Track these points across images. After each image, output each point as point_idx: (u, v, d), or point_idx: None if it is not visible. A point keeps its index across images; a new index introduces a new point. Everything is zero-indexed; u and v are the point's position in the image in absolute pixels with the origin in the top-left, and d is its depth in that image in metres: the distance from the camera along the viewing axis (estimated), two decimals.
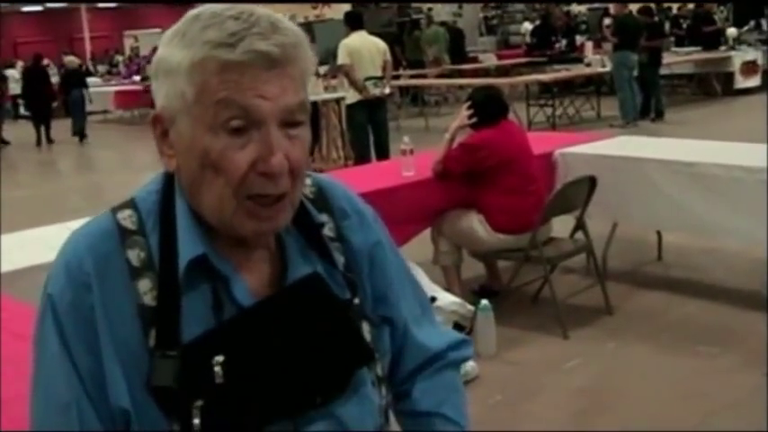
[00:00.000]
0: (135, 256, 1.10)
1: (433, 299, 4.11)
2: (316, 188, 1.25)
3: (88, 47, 29.83)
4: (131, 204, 1.15)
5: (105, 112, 20.26)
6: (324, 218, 1.23)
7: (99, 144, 16.62)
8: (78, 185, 12.05)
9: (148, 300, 1.08)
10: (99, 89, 20.57)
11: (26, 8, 33.67)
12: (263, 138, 1.04)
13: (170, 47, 1.07)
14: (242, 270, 1.13)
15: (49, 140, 16.73)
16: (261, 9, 1.07)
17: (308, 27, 15.80)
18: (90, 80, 20.09)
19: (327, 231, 1.23)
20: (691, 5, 18.42)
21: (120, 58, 28.57)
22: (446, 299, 4.29)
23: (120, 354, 1.07)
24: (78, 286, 1.08)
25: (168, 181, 1.14)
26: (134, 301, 1.08)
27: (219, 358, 1.05)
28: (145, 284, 1.09)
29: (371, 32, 9.01)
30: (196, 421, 1.04)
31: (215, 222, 1.09)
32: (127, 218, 1.13)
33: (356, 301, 1.21)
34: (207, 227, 1.11)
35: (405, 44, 18.97)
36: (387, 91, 8.59)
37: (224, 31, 1.03)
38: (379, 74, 8.31)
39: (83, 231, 1.13)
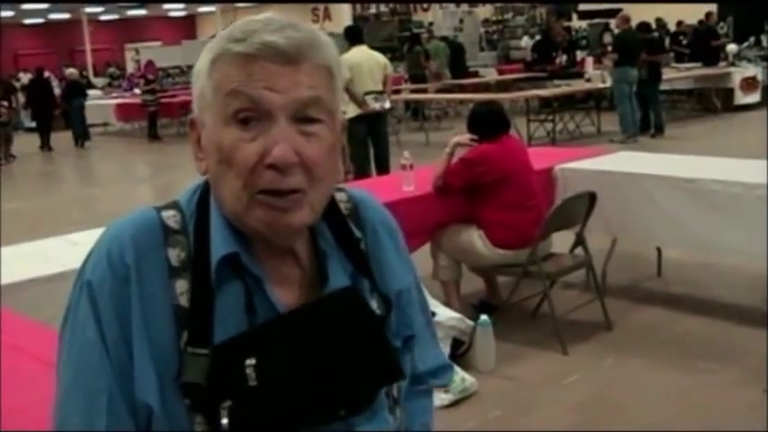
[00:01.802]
0: (175, 255, 1.10)
1: (433, 314, 4.10)
2: (351, 204, 1.25)
3: (90, 59, 29.87)
4: (175, 205, 1.16)
5: (106, 124, 20.25)
6: (358, 234, 1.23)
7: (99, 156, 16.63)
8: (77, 197, 12.05)
9: (184, 301, 1.09)
10: (99, 101, 20.56)
11: (28, 20, 33.77)
12: (270, 129, 1.05)
13: (201, 55, 1.11)
14: (273, 277, 1.13)
15: (49, 148, 16.93)
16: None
17: None
18: (90, 93, 20.13)
19: (362, 247, 1.23)
20: (690, 21, 18.47)
21: (117, 71, 28.66)
22: (445, 314, 4.28)
23: (151, 350, 1.07)
24: (118, 277, 1.08)
25: (207, 185, 1.15)
26: (170, 301, 1.08)
27: (252, 361, 1.05)
28: (182, 285, 1.09)
29: (372, 47, 9.04)
30: (224, 421, 1.04)
31: (232, 218, 1.10)
32: (171, 217, 1.13)
33: (389, 318, 1.22)
34: (239, 231, 1.11)
35: (405, 58, 19.01)
36: (387, 105, 8.60)
37: (240, 29, 1.06)
38: (379, 88, 8.32)
39: (127, 223, 1.13)
